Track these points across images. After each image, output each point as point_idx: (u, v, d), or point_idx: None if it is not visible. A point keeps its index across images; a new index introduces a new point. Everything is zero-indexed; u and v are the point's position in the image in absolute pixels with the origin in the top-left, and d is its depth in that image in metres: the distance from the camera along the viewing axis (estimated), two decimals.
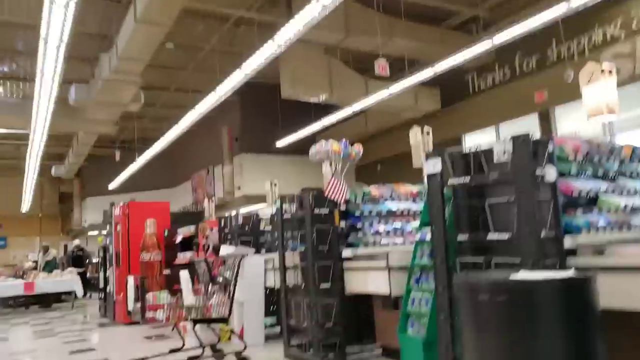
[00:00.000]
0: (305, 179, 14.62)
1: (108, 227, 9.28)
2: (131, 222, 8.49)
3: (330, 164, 4.44)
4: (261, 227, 6.68)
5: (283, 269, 4.82)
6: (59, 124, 12.17)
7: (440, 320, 3.10)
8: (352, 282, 4.39)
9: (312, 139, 15.16)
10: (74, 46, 10.52)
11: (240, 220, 6.54)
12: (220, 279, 4.67)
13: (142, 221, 8.44)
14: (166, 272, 6.95)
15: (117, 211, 8.89)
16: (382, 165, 13.48)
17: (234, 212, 7.96)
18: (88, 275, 14.43)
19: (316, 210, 4.46)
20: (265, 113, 14.42)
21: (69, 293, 12.10)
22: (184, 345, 4.72)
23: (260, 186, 14.37)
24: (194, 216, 10.14)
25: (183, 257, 7.03)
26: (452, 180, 3.16)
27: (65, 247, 18.63)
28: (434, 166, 3.20)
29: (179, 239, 7.14)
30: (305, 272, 4.50)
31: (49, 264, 13.28)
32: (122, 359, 5.45)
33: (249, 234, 6.56)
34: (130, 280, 4.12)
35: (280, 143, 13.94)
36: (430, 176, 3.25)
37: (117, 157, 16.12)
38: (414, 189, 4.89)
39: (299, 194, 4.67)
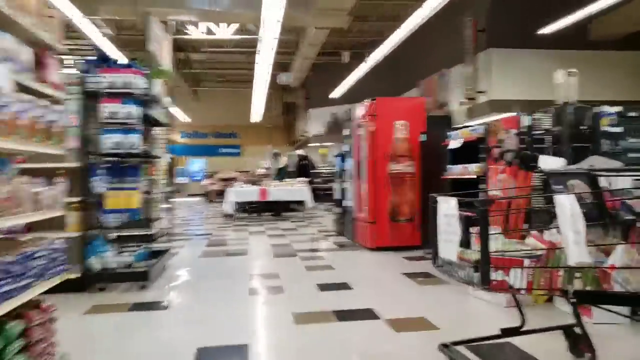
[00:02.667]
0: (581, 84, 10.81)
1: (348, 131, 7.67)
2: (378, 125, 6.66)
3: None
4: (602, 127, 4.07)
5: None
6: (291, 18, 10.89)
7: None
8: None
9: (584, 25, 11.17)
10: None
11: (571, 115, 4.00)
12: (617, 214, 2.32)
13: (390, 123, 6.59)
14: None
15: (359, 111, 7.14)
16: None
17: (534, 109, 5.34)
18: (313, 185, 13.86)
19: None
20: None
21: (297, 202, 11.56)
22: (523, 323, 2.61)
23: (512, 89, 11.35)
24: (443, 121, 8.02)
25: (463, 169, 4.85)
26: None
27: None
28: None
29: (454, 144, 4.97)
30: None
31: (281, 171, 12.86)
32: (397, 315, 3.67)
33: (584, 138, 4.02)
34: (452, 208, 2.01)
35: (548, 30, 10.39)
36: None
37: (346, 59, 14.60)
38: None
39: None
